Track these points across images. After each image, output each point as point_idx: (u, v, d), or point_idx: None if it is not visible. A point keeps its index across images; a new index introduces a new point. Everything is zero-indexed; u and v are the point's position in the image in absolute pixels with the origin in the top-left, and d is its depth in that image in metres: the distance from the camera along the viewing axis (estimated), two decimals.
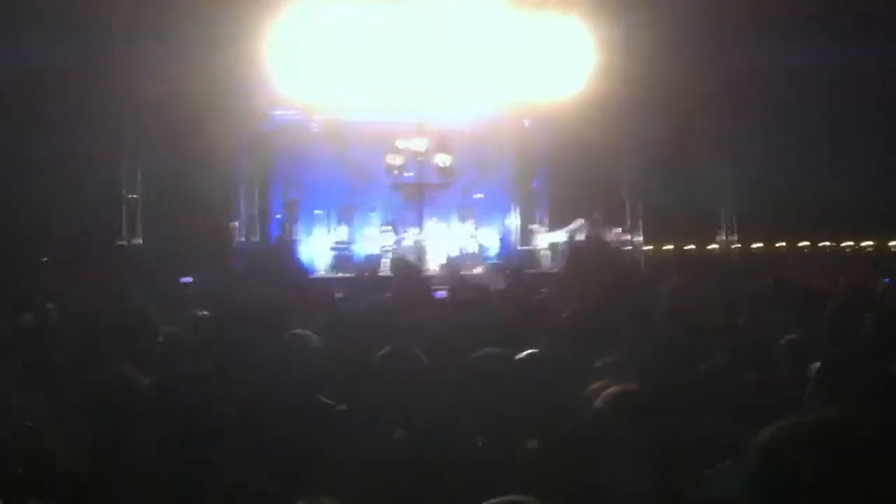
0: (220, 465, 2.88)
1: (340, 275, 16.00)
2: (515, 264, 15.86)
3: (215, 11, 14.00)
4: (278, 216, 17.89)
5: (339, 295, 7.26)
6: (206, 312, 6.24)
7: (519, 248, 18.51)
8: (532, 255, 17.53)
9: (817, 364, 3.37)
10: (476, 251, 17.41)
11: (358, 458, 2.90)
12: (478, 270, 16.36)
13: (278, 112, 16.65)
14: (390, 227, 17.15)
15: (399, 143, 14.93)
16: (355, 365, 3.71)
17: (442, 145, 14.94)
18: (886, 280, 8.52)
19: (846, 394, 3.04)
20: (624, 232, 17.50)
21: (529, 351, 3.55)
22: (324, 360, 3.59)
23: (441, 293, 8.27)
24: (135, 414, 2.48)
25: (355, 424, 3.14)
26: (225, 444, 2.89)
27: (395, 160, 14.94)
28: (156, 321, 5.39)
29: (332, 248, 17.49)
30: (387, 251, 16.81)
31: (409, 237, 16.56)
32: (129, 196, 16.20)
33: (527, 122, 17.66)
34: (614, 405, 2.55)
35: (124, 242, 15.93)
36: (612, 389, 2.64)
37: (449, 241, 17.89)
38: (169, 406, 2.88)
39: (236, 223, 16.78)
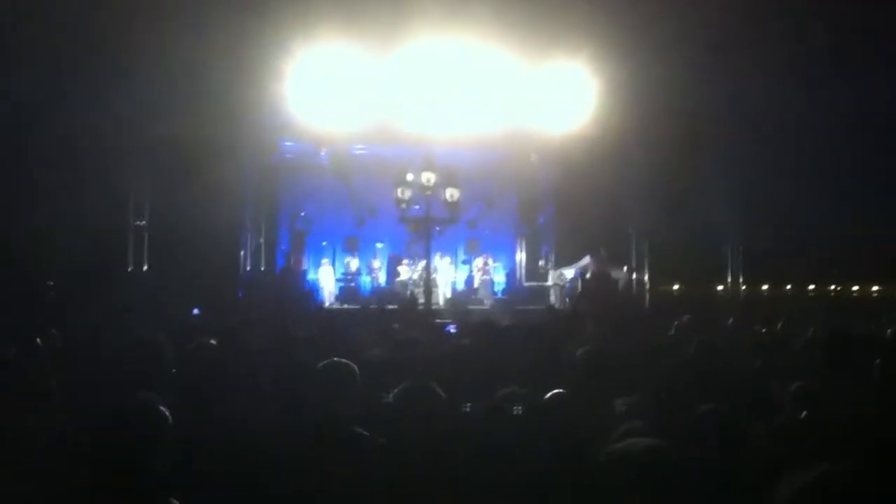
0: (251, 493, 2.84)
1: (346, 306, 16.01)
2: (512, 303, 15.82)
3: (226, 46, 14.13)
4: (283, 248, 17.97)
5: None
6: (213, 342, 6.18)
7: (525, 283, 18.49)
8: (537, 292, 17.49)
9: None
10: (483, 285, 17.40)
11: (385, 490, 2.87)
12: (484, 306, 16.32)
13: (287, 143, 16.74)
14: (405, 261, 17.27)
15: (409, 177, 14.97)
16: (373, 399, 3.67)
17: (450, 180, 14.97)
18: None
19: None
20: (630, 271, 17.46)
21: (553, 392, 3.50)
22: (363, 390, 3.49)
23: (451, 327, 8.21)
24: (156, 440, 2.43)
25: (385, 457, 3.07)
26: (253, 476, 2.84)
27: (405, 194, 14.96)
28: (167, 348, 5.34)
29: (339, 280, 17.54)
30: (403, 284, 16.91)
31: (419, 271, 16.63)
32: (136, 223, 16.22)
33: (533, 158, 17.72)
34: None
35: (130, 268, 15.92)
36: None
37: (454, 275, 17.91)
38: (197, 433, 2.84)
39: (242, 252, 16.78)
